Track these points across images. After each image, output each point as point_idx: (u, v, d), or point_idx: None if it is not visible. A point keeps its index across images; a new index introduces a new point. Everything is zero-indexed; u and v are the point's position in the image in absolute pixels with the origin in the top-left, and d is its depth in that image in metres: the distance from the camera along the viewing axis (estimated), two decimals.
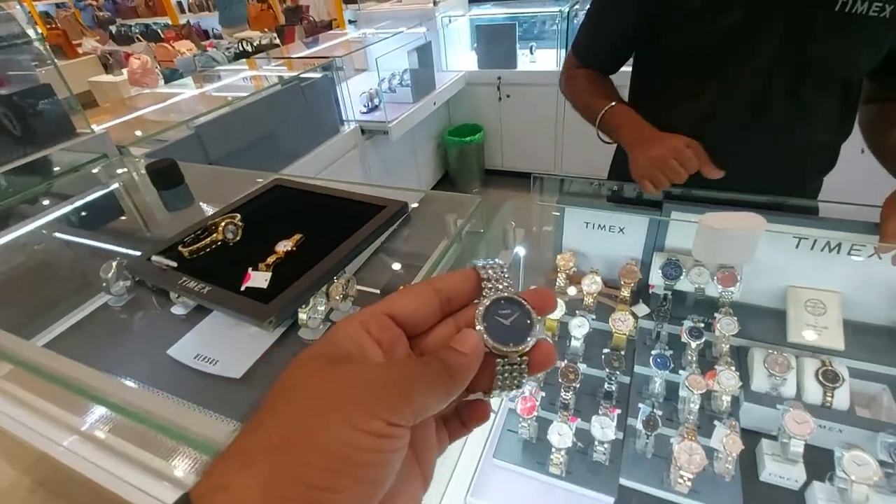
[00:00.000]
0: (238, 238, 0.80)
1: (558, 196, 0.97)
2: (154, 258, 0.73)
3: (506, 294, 0.27)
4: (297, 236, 0.77)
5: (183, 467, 0.84)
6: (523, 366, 0.27)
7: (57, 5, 8.05)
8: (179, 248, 0.76)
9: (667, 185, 0.78)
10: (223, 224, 0.79)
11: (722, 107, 0.88)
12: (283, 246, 0.75)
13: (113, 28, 6.35)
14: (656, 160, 0.78)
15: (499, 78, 3.20)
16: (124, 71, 4.10)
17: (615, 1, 0.93)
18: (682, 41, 0.87)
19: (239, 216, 0.82)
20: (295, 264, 0.72)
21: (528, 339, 0.26)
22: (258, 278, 0.68)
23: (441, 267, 0.80)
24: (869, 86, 0.91)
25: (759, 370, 0.78)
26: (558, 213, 0.96)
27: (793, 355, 0.78)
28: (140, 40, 5.06)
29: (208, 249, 0.77)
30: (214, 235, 0.78)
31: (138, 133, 1.66)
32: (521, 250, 0.87)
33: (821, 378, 0.75)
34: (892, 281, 0.80)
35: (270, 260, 0.72)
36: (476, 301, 0.28)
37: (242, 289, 0.68)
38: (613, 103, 0.88)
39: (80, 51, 5.10)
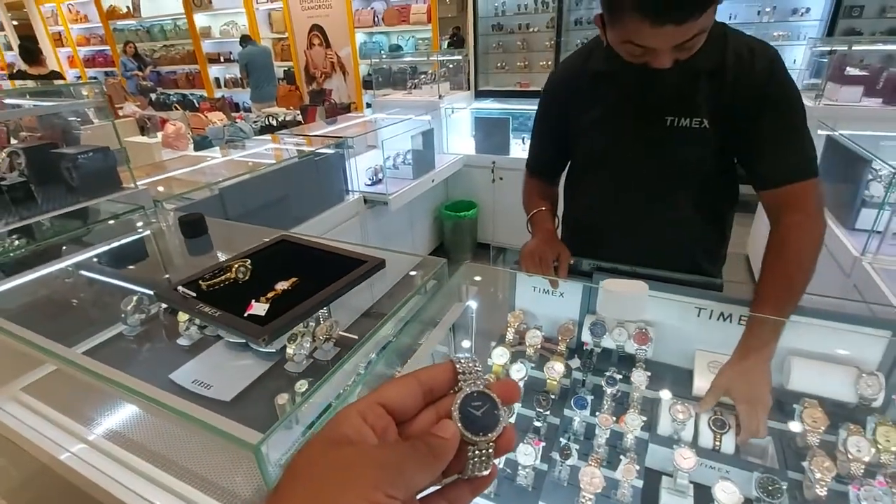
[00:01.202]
0: (247, 278, 1.00)
1: (512, 265, 1.19)
2: (180, 288, 0.93)
3: (477, 388, 0.32)
4: (293, 279, 0.97)
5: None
6: (490, 450, 0.30)
7: (106, 73, 8.97)
8: (199, 282, 0.96)
9: (533, 271, 1.12)
10: (236, 266, 0.99)
11: (610, 195, 1.17)
12: (281, 285, 0.94)
13: (153, 95, 7.03)
14: (529, 253, 1.15)
15: (493, 162, 3.56)
16: (159, 134, 4.54)
17: (541, 126, 1.26)
18: (582, 146, 1.18)
19: (249, 261, 1.02)
20: (289, 300, 0.91)
21: (496, 429, 0.30)
22: (258, 308, 0.87)
23: (405, 311, 0.97)
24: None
25: (664, 417, 0.93)
26: (511, 278, 1.17)
27: (692, 406, 0.93)
28: (178, 108, 5.62)
29: (222, 285, 0.97)
30: (228, 274, 0.98)
31: (174, 190, 1.92)
32: (472, 304, 1.06)
33: (711, 425, 0.90)
34: (777, 349, 0.97)
35: (270, 295, 0.92)
36: (454, 390, 0.33)
37: (245, 315, 0.86)
38: (543, 208, 1.24)
39: (120, 113, 5.66)
